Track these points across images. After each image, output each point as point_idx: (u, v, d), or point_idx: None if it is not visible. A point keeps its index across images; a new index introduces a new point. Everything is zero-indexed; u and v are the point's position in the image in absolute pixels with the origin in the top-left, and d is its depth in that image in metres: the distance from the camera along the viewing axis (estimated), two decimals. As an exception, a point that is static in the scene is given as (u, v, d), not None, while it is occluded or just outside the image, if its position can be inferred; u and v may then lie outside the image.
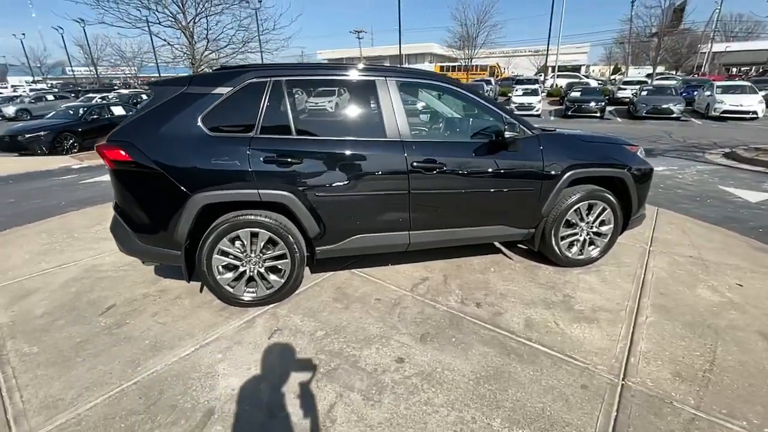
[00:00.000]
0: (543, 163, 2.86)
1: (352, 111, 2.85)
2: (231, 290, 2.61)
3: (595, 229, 3.17)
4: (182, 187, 2.38)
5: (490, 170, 2.80)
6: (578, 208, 3.03)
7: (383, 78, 2.68)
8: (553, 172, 2.89)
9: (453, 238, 2.99)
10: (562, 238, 3.10)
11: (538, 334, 2.38)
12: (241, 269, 2.60)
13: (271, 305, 2.72)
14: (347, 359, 2.20)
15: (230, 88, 2.47)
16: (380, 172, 2.62)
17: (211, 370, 2.13)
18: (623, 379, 2.01)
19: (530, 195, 2.92)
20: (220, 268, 2.57)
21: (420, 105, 4.81)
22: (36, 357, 2.24)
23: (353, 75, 2.70)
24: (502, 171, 2.81)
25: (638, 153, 3.22)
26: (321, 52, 61.48)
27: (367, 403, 1.90)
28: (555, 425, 1.75)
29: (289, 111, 2.59)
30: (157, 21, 10.48)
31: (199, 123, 2.42)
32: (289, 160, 2.48)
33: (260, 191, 2.47)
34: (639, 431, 1.72)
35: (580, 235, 3.16)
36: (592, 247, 3.23)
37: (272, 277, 2.66)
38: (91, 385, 2.03)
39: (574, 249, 3.18)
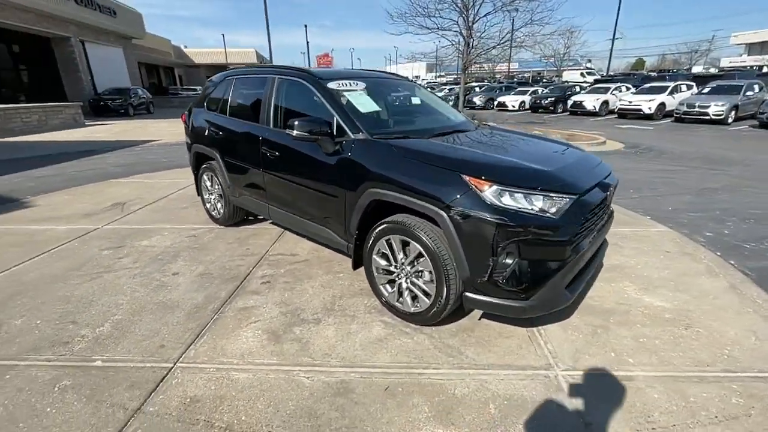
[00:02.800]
0: (346, 173, 2.53)
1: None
2: None
3: (414, 279, 2.37)
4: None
5: (306, 167, 2.82)
6: (390, 240, 2.40)
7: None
8: (356, 187, 2.48)
9: (297, 226, 3.17)
10: (378, 270, 2.56)
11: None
12: None
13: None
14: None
15: None
16: (248, 149, 3.32)
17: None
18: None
19: (335, 204, 2.65)
20: None
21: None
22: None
23: None
24: (314, 170, 2.75)
25: (486, 190, 1.99)
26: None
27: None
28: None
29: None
30: (438, 27, 12.68)
31: None
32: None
33: None
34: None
35: (399, 278, 2.45)
36: (415, 302, 2.41)
37: None
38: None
39: (393, 289, 2.51)
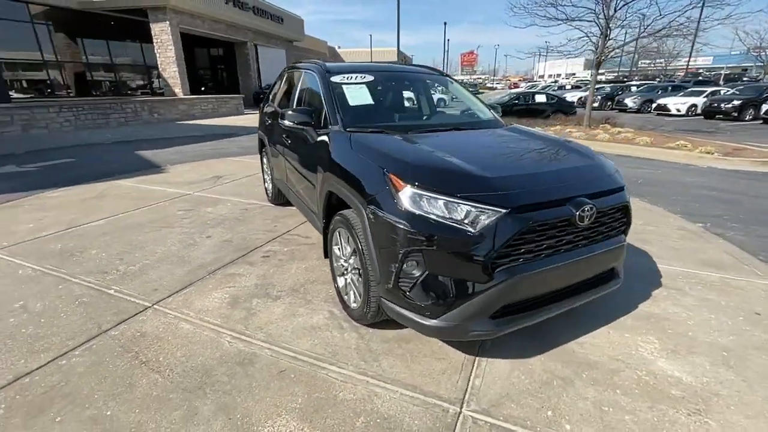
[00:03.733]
0: (319, 163, 2.60)
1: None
2: None
3: (352, 275, 2.29)
4: None
5: (302, 155, 3.06)
6: (339, 233, 2.37)
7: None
8: (322, 176, 2.51)
9: (302, 210, 3.34)
10: (335, 260, 2.54)
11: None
12: None
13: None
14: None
15: None
16: (278, 136, 3.68)
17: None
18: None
19: (314, 192, 2.78)
20: None
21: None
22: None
23: None
24: (305, 158, 2.97)
25: (401, 190, 1.79)
26: None
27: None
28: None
29: None
30: (567, 17, 11.05)
31: None
32: None
33: None
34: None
35: (347, 273, 2.39)
36: (355, 299, 2.33)
37: None
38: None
39: (343, 282, 2.47)
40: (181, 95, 18.13)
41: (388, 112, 3.06)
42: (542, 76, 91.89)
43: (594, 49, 11.34)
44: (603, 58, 11.34)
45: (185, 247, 3.49)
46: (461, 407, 1.78)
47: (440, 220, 1.72)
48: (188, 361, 2.06)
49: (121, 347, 2.16)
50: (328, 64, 3.21)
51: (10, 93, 16.11)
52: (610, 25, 10.80)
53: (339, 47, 52.57)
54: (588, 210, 1.83)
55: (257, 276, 2.98)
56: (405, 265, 1.80)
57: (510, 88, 55.19)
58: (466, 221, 1.70)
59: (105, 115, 12.90)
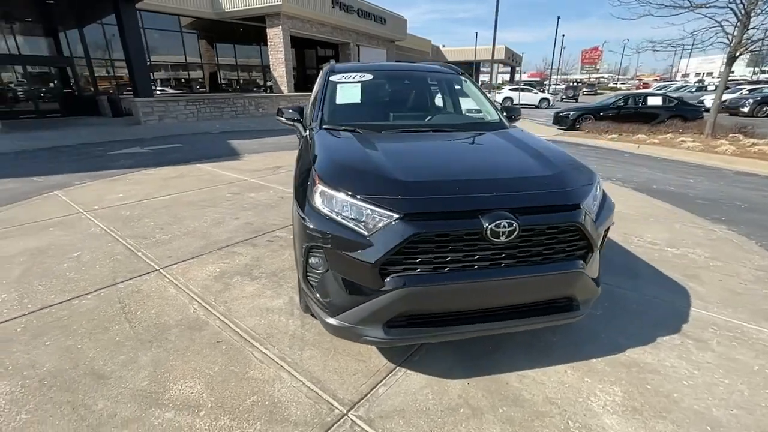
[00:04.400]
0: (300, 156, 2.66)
1: None
2: None
3: None
4: None
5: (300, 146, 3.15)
6: None
7: None
8: None
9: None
10: None
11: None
12: None
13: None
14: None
15: None
16: None
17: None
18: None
19: None
20: None
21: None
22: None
23: None
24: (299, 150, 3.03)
25: (316, 188, 1.84)
26: None
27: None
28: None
29: None
30: (691, 4, 9.04)
31: None
32: None
33: None
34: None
35: None
36: None
37: None
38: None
39: None
40: (285, 92, 20.18)
41: (372, 111, 3.04)
42: (686, 75, 77.77)
43: (728, 41, 9.27)
44: (741, 52, 9.21)
45: (213, 225, 4.00)
46: (348, 410, 1.77)
47: (340, 219, 1.72)
48: (156, 318, 2.42)
49: (117, 298, 2.64)
50: (338, 65, 3.34)
51: (164, 89, 20.04)
52: (752, 11, 8.71)
53: (443, 46, 52.25)
54: (505, 226, 1.62)
55: (252, 257, 3.28)
56: (310, 261, 1.85)
57: (637, 88, 48.10)
58: (362, 223, 1.67)
59: (220, 108, 15.14)
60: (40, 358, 2.07)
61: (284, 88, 20.55)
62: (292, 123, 2.95)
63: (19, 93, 15.49)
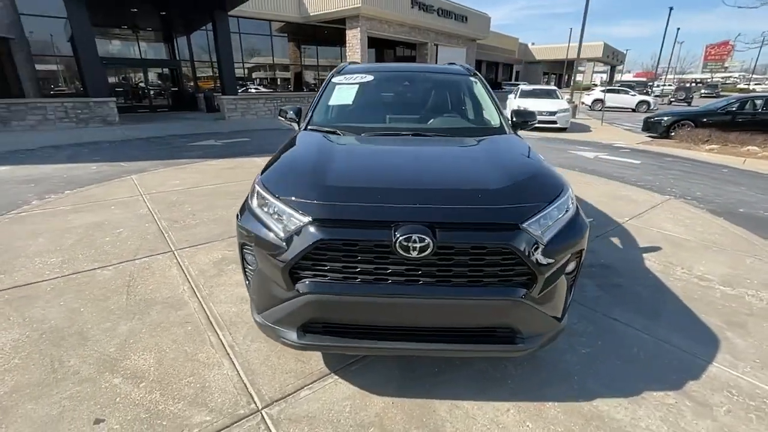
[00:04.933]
0: None
1: None
2: None
3: None
4: None
5: None
6: None
7: None
8: None
9: None
10: None
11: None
12: None
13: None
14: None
15: None
16: None
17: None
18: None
19: None
20: None
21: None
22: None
23: None
24: None
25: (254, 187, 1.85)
26: None
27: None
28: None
29: None
30: None
31: None
32: None
33: None
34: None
35: None
36: None
37: None
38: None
39: None
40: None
41: (361, 113, 2.98)
42: None
43: None
44: None
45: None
46: (263, 407, 1.80)
47: (264, 218, 1.76)
48: (149, 294, 2.72)
49: (129, 272, 3.01)
50: (349, 65, 3.37)
51: (258, 87, 22.16)
52: None
53: (533, 44, 49.19)
54: (416, 240, 1.49)
55: (255, 247, 3.49)
56: (246, 257, 1.91)
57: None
58: (280, 224, 1.68)
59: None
60: (50, 315, 2.46)
61: (358, 87, 21.27)
62: (290, 123, 3.06)
63: (139, 91, 18.41)
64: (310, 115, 2.81)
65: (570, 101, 16.69)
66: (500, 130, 2.64)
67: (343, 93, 2.99)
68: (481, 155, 2.20)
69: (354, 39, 20.64)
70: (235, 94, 14.90)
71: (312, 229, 1.59)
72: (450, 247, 1.54)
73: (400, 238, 1.50)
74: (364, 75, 3.08)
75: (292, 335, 1.73)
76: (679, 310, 2.65)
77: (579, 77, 50.93)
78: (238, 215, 1.93)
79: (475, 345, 1.69)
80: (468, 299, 1.59)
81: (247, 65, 22.21)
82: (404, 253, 1.51)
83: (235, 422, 1.72)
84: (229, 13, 14.72)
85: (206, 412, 1.77)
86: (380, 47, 27.44)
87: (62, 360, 2.07)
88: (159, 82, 19.34)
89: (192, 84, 19.99)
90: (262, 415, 1.76)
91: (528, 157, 2.16)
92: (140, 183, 5.60)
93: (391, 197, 1.67)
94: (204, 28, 18.77)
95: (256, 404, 1.82)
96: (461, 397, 1.88)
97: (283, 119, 3.11)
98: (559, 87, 31.61)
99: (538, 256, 1.59)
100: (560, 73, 50.92)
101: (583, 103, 24.23)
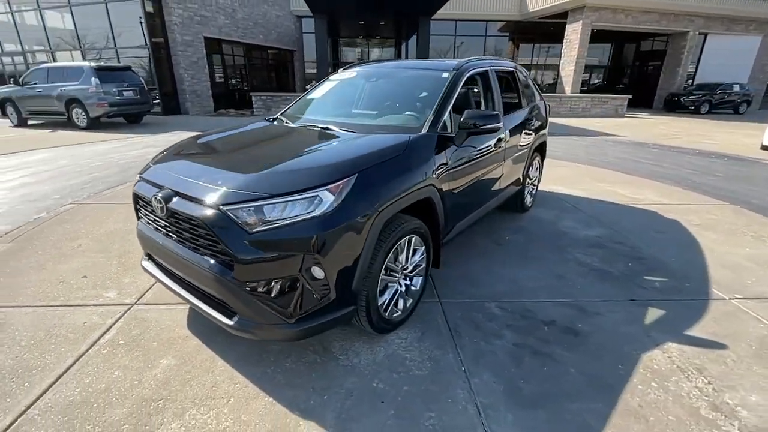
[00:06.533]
0: None
1: None
2: None
3: None
4: None
5: None
6: None
7: None
8: None
9: None
10: None
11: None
12: None
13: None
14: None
15: None
16: None
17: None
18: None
19: None
20: None
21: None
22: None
23: None
24: None
25: None
26: None
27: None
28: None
29: None
30: None
31: None
32: None
33: None
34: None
35: None
36: None
37: None
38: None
39: None
40: (568, 93, 18.49)
41: (317, 107, 3.05)
42: None
43: None
44: None
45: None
46: (130, 307, 2.43)
47: None
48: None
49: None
50: (359, 65, 3.50)
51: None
52: None
53: None
54: (157, 201, 1.81)
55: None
56: None
57: None
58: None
59: (480, 106, 16.10)
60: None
61: (568, 88, 18.84)
62: None
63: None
64: (289, 106, 3.18)
65: None
66: (415, 130, 2.29)
67: (325, 88, 3.18)
68: (300, 147, 2.26)
69: (573, 34, 18.28)
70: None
71: (137, 182, 2.11)
72: (177, 213, 1.76)
73: (153, 196, 1.83)
74: (352, 71, 3.18)
75: (143, 259, 2.30)
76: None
77: None
78: None
79: (212, 311, 1.81)
80: (194, 262, 1.76)
81: (457, 66, 23.32)
82: (157, 204, 1.82)
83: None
84: (443, 16, 15.86)
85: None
86: (619, 41, 23.11)
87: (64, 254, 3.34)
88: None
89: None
90: (128, 315, 2.40)
91: (345, 154, 1.98)
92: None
93: (170, 169, 2.02)
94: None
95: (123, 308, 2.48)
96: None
97: None
98: None
99: (240, 242, 1.58)
100: None
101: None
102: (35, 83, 10.76)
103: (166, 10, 13.76)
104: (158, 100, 14.21)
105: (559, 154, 7.58)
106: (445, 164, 2.33)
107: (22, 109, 11.09)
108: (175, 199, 1.77)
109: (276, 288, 1.64)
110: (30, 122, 11.59)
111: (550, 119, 15.12)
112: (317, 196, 1.65)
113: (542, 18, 20.24)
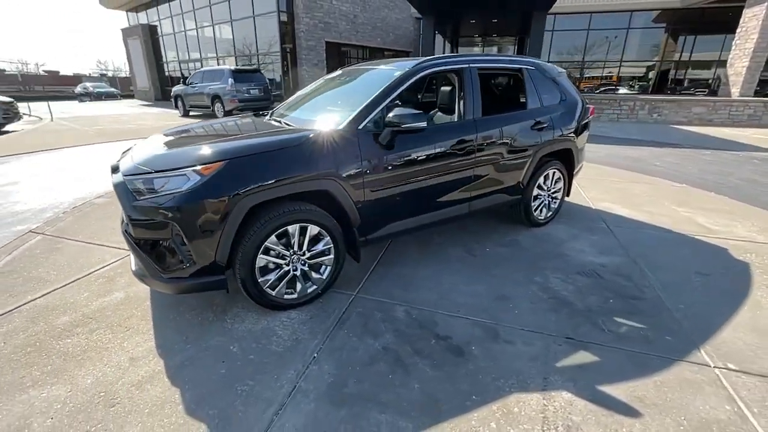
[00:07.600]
0: None
1: None
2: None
3: None
4: None
5: None
6: None
7: None
8: None
9: None
10: None
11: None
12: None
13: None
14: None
15: None
16: None
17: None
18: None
19: None
20: None
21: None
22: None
23: None
24: None
25: None
26: None
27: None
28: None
29: None
30: None
31: None
32: None
33: None
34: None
35: None
36: None
37: None
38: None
39: None
40: (735, 94, 14.64)
41: (295, 103, 3.25)
42: None
43: None
44: None
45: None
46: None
47: None
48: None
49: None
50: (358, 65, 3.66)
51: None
52: None
53: None
54: (114, 172, 2.33)
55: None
56: None
57: None
58: None
59: (599, 110, 13.97)
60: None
61: (735, 89, 14.88)
62: None
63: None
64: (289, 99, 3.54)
65: None
66: (336, 126, 2.41)
67: (311, 86, 3.45)
68: (227, 137, 2.56)
69: (752, 21, 14.31)
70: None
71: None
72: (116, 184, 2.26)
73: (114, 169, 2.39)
74: (338, 71, 3.37)
75: None
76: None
77: None
78: None
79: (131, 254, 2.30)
80: None
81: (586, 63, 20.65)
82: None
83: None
84: (573, 9, 14.36)
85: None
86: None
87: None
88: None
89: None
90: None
91: (237, 145, 2.21)
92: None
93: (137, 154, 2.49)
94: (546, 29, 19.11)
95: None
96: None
97: None
98: None
99: (129, 205, 2.05)
100: None
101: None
102: (195, 83, 13.77)
103: (297, 20, 15.89)
104: (282, 97, 16.59)
105: (653, 169, 6.25)
106: (367, 161, 2.37)
107: (186, 103, 14.34)
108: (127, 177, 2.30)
109: (155, 247, 2.02)
110: (191, 113, 14.91)
111: (691, 128, 12.37)
112: (185, 174, 1.96)
113: (711, 3, 16.38)
